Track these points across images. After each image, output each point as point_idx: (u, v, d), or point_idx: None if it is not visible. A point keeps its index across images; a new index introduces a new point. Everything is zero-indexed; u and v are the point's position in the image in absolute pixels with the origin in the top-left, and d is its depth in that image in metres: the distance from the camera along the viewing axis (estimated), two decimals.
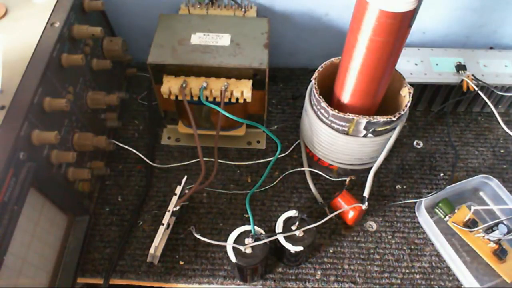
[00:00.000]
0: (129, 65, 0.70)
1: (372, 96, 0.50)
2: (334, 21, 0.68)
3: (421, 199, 0.57)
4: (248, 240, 0.47)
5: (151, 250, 0.52)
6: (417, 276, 0.54)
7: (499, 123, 0.64)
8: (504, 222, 0.53)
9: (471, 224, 0.55)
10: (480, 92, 0.62)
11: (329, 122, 0.52)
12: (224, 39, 0.56)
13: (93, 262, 0.54)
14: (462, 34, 0.70)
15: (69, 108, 0.46)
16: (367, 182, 0.53)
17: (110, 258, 0.54)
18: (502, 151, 0.65)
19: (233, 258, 0.47)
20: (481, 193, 0.60)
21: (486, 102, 0.63)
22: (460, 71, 0.64)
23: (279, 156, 0.63)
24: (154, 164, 0.63)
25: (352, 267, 0.54)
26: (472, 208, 0.55)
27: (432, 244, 0.56)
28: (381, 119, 0.49)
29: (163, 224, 0.52)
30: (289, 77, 0.75)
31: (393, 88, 0.53)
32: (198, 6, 0.63)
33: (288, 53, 0.75)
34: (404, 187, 0.61)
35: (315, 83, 0.52)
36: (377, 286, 0.53)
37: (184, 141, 0.66)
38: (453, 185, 0.58)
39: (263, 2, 0.66)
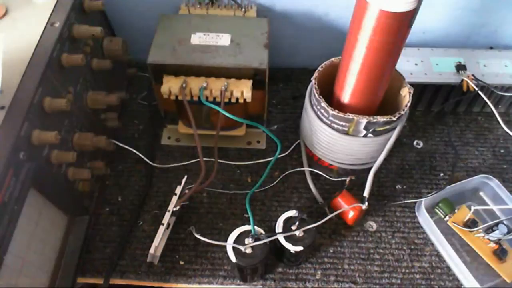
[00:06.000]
0: (129, 65, 0.70)
1: (372, 96, 0.50)
2: (334, 21, 0.68)
3: (421, 199, 0.57)
4: (248, 240, 0.47)
5: (151, 250, 0.52)
6: (417, 276, 0.54)
7: (499, 123, 0.64)
8: (504, 222, 0.53)
9: (471, 224, 0.55)
10: (480, 92, 0.62)
11: (329, 122, 0.52)
12: (224, 39, 0.56)
13: (93, 262, 0.54)
14: (462, 34, 0.70)
15: (69, 108, 0.46)
16: (367, 182, 0.53)
17: (110, 258, 0.54)
18: (502, 151, 0.65)
19: (233, 258, 0.47)
20: (481, 193, 0.60)
21: (486, 102, 0.63)
22: (460, 71, 0.64)
23: (279, 156, 0.63)
24: (154, 164, 0.63)
25: (352, 267, 0.54)
26: (472, 208, 0.55)
27: (432, 244, 0.56)
28: (381, 119, 0.49)
29: (163, 224, 0.52)
30: (289, 77, 0.75)
31: (393, 88, 0.53)
32: (198, 6, 0.63)
33: (288, 53, 0.75)
34: (404, 187, 0.61)
35: (315, 83, 0.52)
36: (377, 286, 0.53)
37: (184, 141, 0.66)
38: (453, 185, 0.58)
39: (263, 2, 0.66)
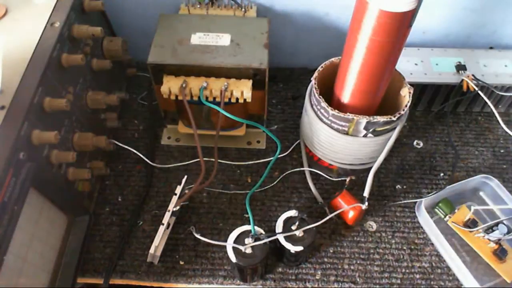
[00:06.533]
0: (129, 65, 0.70)
1: (372, 96, 0.50)
2: (334, 21, 0.68)
3: (421, 199, 0.57)
4: (248, 240, 0.47)
5: (151, 250, 0.52)
6: (417, 276, 0.54)
7: (499, 123, 0.64)
8: (504, 222, 0.53)
9: (471, 224, 0.55)
10: (480, 92, 0.62)
11: (329, 122, 0.52)
12: (224, 39, 0.56)
13: (93, 262, 0.54)
14: (462, 34, 0.70)
15: (69, 108, 0.46)
16: (367, 182, 0.53)
17: (110, 258, 0.54)
18: (502, 151, 0.65)
19: (233, 258, 0.47)
20: (481, 193, 0.60)
21: (486, 102, 0.63)
22: (460, 71, 0.64)
23: (279, 156, 0.63)
24: (154, 164, 0.63)
25: (352, 267, 0.54)
26: (472, 208, 0.55)
27: (432, 244, 0.56)
28: (381, 119, 0.49)
29: (163, 224, 0.52)
30: (289, 77, 0.75)
31: (393, 88, 0.53)
32: (198, 6, 0.63)
33: (288, 53, 0.75)
34: (404, 187, 0.61)
35: (315, 83, 0.52)
36: (377, 286, 0.53)
37: (184, 141, 0.66)
38: (453, 185, 0.58)
39: (263, 2, 0.66)
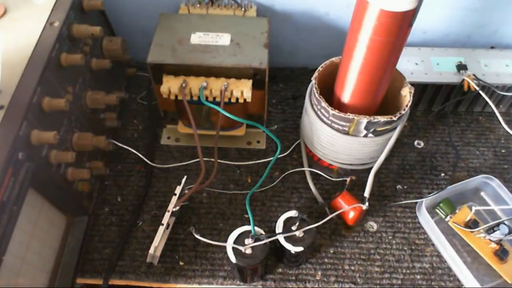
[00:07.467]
0: (128, 64, 0.70)
1: (373, 96, 0.50)
2: (334, 21, 0.68)
3: (422, 199, 0.57)
4: (248, 241, 0.47)
5: (151, 251, 0.51)
6: (418, 277, 0.53)
7: (500, 123, 0.64)
8: (505, 222, 0.53)
9: (472, 224, 0.55)
10: (481, 92, 0.62)
11: (329, 122, 0.52)
12: (224, 39, 0.56)
13: (92, 263, 0.54)
14: (463, 34, 0.70)
15: (68, 108, 0.46)
16: (368, 182, 0.53)
17: (109, 259, 0.54)
18: (503, 151, 0.65)
19: (233, 259, 0.46)
20: (482, 193, 0.60)
21: (487, 102, 0.63)
22: (461, 71, 0.64)
23: (279, 156, 0.63)
24: (154, 164, 0.62)
25: (352, 268, 0.54)
26: (473, 208, 0.54)
27: (433, 244, 0.56)
28: (381, 119, 0.49)
29: (162, 224, 0.52)
30: (289, 77, 0.74)
31: (394, 87, 0.53)
32: (198, 5, 0.63)
33: (288, 53, 0.74)
34: (405, 187, 0.61)
35: (315, 83, 0.52)
36: (378, 287, 0.53)
37: (184, 141, 0.66)
38: (454, 185, 0.57)
39: (263, 2, 0.66)
